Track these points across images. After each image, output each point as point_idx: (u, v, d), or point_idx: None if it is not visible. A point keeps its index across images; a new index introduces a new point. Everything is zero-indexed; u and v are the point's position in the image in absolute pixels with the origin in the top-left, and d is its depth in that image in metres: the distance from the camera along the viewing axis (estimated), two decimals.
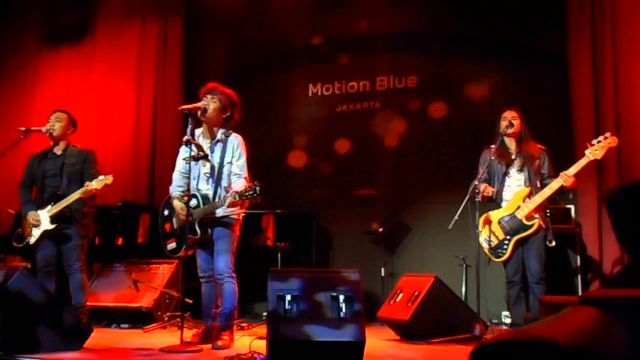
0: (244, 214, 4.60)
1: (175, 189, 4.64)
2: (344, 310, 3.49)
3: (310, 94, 7.52)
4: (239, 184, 4.36)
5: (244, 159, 4.52)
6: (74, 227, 4.95)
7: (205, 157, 4.50)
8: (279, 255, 6.24)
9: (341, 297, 3.53)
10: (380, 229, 6.65)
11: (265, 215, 6.46)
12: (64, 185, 4.99)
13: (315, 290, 3.59)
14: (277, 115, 7.61)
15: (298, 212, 6.83)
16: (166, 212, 4.70)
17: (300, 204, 7.08)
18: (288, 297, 3.54)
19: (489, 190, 4.92)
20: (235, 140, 4.53)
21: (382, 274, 6.58)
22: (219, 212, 4.42)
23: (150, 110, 7.62)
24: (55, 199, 4.94)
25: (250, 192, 4.06)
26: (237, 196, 4.13)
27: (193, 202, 4.42)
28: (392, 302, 5.09)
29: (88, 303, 5.04)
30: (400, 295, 5.03)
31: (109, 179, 4.88)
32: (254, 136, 5.17)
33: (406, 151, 6.97)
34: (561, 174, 4.70)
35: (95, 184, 4.83)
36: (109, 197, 5.15)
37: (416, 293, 4.81)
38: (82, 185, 4.93)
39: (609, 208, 1.34)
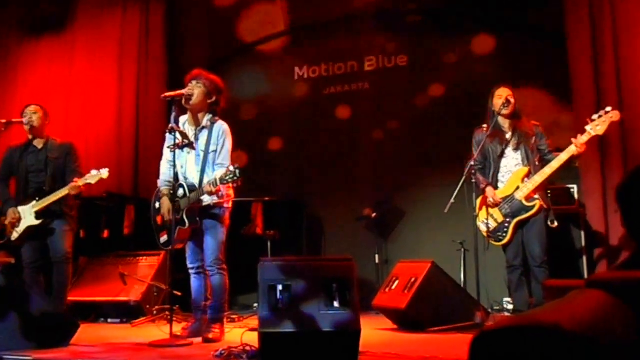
0: (232, 202, 4.59)
1: (162, 184, 4.64)
2: (337, 299, 3.46)
3: (296, 77, 7.50)
4: (221, 171, 4.30)
5: (228, 147, 4.49)
6: (60, 219, 5.02)
7: (190, 145, 4.49)
8: (269, 244, 6.22)
9: (334, 286, 3.50)
10: (374, 215, 6.65)
11: (254, 203, 6.45)
12: (49, 180, 5.04)
13: (307, 279, 3.54)
14: (263, 101, 7.60)
15: (287, 199, 6.83)
16: (157, 205, 4.69)
17: (290, 191, 7.07)
18: (279, 287, 3.51)
19: (495, 200, 4.84)
20: (221, 128, 4.50)
21: (377, 261, 6.59)
22: (207, 201, 4.41)
23: (133, 100, 7.66)
24: (41, 194, 4.99)
25: (230, 176, 4.03)
26: (216, 182, 4.13)
27: (180, 191, 4.42)
28: (387, 290, 5.06)
29: (75, 298, 5.09)
30: (396, 282, 5.00)
31: (104, 174, 4.94)
32: (239, 121, 5.14)
33: (398, 133, 6.96)
34: (573, 140, 4.60)
35: (89, 179, 4.89)
36: (93, 188, 5.14)
37: (413, 280, 4.78)
38: (64, 180, 5.00)
39: (620, 200, 1.29)
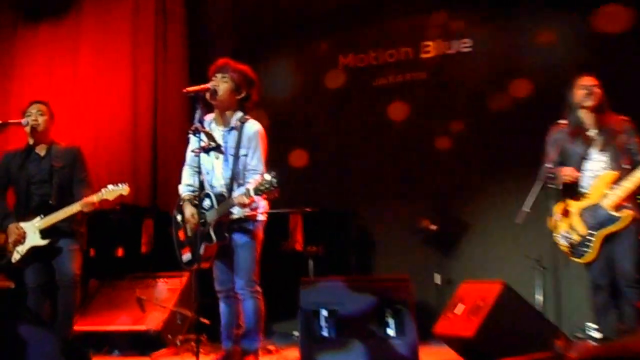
0: (267, 215, 4.58)
1: (184, 190, 4.66)
2: (392, 326, 3.50)
3: (340, 67, 7.47)
4: (254, 179, 4.29)
5: (261, 151, 4.49)
6: (68, 237, 5.04)
7: (217, 148, 4.50)
8: (311, 262, 6.23)
9: (388, 311, 3.53)
10: (433, 227, 6.61)
11: (293, 215, 6.44)
12: (55, 193, 5.06)
13: (356, 303, 3.59)
14: (300, 96, 7.60)
15: (331, 209, 6.79)
16: (179, 217, 4.69)
17: (334, 200, 7.07)
18: (323, 313, 3.56)
19: (574, 175, 4.78)
20: (253, 128, 4.50)
21: (437, 281, 6.55)
22: (237, 214, 4.42)
23: (150, 96, 7.64)
24: (46, 209, 5.01)
25: (266, 186, 4.02)
26: (249, 192, 4.12)
27: (206, 202, 4.42)
28: (450, 315, 5.03)
29: (84, 327, 5.11)
30: (461, 306, 4.96)
31: (124, 190, 4.95)
32: (272, 121, 5.15)
33: (462, 131, 6.87)
34: None
35: (106, 195, 4.90)
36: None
37: (480, 303, 4.74)
38: (71, 192, 5.02)
39: None
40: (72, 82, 7.90)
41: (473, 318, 4.69)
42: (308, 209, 6.52)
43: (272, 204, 4.59)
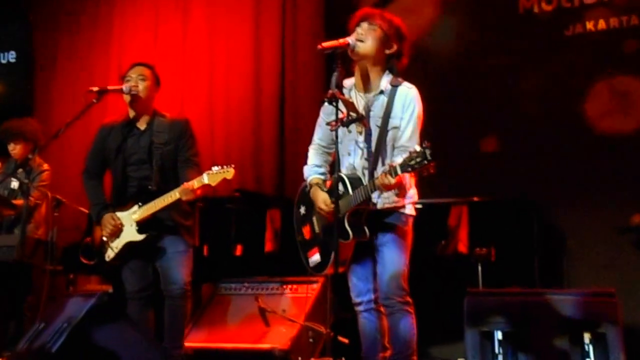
0: (419, 206, 4.53)
1: (311, 172, 4.65)
2: (591, 355, 3.40)
3: (521, 11, 7.31)
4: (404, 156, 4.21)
5: (416, 123, 4.40)
6: (173, 235, 5.16)
7: (359, 120, 4.42)
8: (479, 269, 6.13)
9: (586, 337, 3.42)
10: None
11: (455, 207, 6.33)
12: (156, 176, 5.15)
13: (542, 323, 3.51)
14: (467, 53, 7.54)
15: (508, 199, 6.68)
16: (302, 210, 4.70)
17: (511, 188, 6.93)
18: (498, 335, 3.49)
19: None
20: (409, 93, 4.43)
21: None
22: (380, 203, 4.37)
23: (275, 56, 7.83)
24: (145, 196, 5.11)
25: (417, 160, 3.90)
26: (395, 170, 4.00)
27: (339, 188, 4.34)
28: None
29: (195, 344, 5.21)
30: None
31: (228, 172, 4.97)
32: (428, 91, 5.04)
33: None
34: None
35: (207, 180, 4.92)
36: (221, 184, 5.11)
37: None
38: (176, 175, 5.12)
39: None
40: (182, 43, 8.18)
41: None
42: (476, 199, 6.43)
43: (424, 191, 4.50)
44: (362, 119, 4.42)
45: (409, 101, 4.40)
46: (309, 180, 4.64)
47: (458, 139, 7.15)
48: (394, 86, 4.45)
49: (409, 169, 3.95)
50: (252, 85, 7.81)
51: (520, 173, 7.09)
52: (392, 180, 4.06)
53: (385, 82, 4.48)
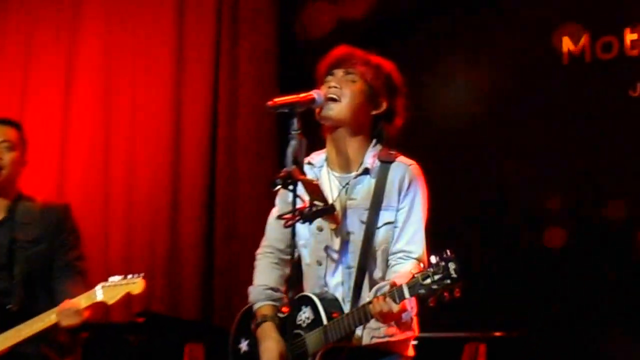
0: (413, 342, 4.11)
1: (259, 296, 4.15)
2: None
3: (566, 62, 6.91)
4: (407, 268, 3.84)
5: (420, 214, 4.02)
6: None
7: (328, 211, 3.95)
8: None
9: None
10: None
11: (469, 345, 6.00)
12: (19, 290, 4.65)
13: None
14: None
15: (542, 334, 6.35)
16: (244, 346, 4.21)
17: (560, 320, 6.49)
18: None
19: None
20: (408, 172, 4.04)
21: None
22: (365, 337, 3.89)
23: (203, 113, 7.46)
24: (2, 320, 4.59)
25: (435, 279, 3.50)
26: (401, 291, 3.58)
27: (305, 314, 3.98)
28: None
29: None
30: None
31: (135, 284, 4.47)
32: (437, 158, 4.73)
33: None
34: None
35: (102, 296, 4.47)
36: (120, 304, 4.73)
37: None
38: (50, 289, 4.67)
39: None
40: (64, 86, 7.81)
41: None
42: (493, 334, 6.01)
43: (425, 324, 4.13)
44: (333, 211, 3.97)
45: (407, 183, 4.04)
46: (255, 308, 4.14)
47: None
48: (385, 162, 4.07)
49: (423, 291, 3.53)
50: (169, 162, 7.40)
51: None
52: (395, 307, 3.62)
53: (370, 156, 4.08)
